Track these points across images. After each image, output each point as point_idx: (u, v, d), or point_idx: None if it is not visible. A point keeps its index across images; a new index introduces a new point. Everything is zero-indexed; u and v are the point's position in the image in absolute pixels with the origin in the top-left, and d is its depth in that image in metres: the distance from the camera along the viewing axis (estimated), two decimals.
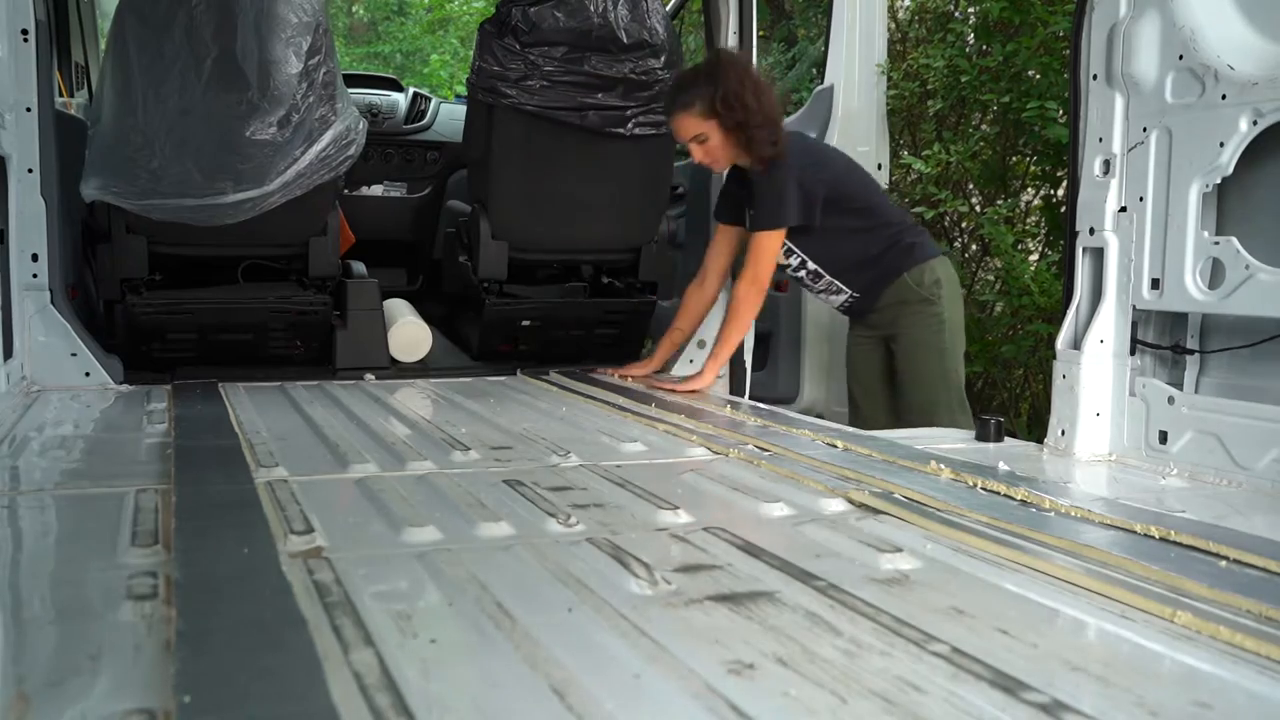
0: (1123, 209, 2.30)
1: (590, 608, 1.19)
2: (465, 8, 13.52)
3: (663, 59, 3.32)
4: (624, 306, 3.66)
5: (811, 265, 3.13)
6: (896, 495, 1.74)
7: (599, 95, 3.28)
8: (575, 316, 3.64)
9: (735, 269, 3.26)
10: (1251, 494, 1.96)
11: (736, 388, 3.60)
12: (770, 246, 3.02)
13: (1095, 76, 2.35)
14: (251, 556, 1.30)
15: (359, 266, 3.53)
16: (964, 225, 4.53)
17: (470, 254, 3.49)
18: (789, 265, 3.15)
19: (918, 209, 4.19)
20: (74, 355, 2.99)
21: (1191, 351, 2.35)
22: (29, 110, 2.89)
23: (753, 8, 3.52)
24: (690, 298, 3.27)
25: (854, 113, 3.89)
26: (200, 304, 3.20)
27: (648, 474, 1.94)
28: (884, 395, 3.25)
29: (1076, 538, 1.48)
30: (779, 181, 2.97)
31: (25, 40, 2.87)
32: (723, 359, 3.13)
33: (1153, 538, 1.52)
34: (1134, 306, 2.45)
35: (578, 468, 2.00)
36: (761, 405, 2.98)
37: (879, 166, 3.96)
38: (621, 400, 2.76)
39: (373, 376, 3.24)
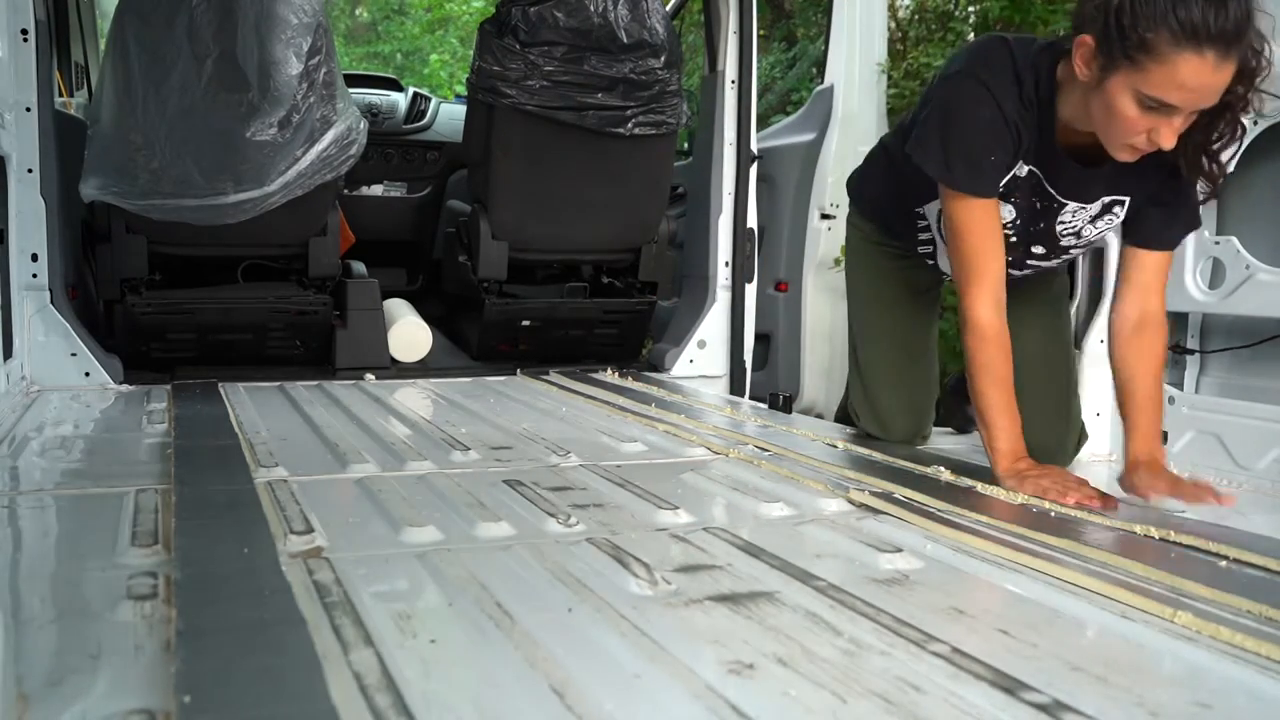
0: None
1: (590, 608, 1.19)
2: (465, 8, 13.52)
3: (663, 59, 3.32)
4: (624, 306, 3.66)
5: None
6: (896, 495, 1.74)
7: (599, 95, 3.28)
8: (575, 316, 3.64)
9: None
10: (1251, 494, 1.97)
11: (736, 388, 3.60)
12: None
13: None
14: (251, 556, 1.30)
15: (359, 266, 3.53)
16: None
17: (470, 254, 3.50)
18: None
19: None
20: (74, 355, 3.00)
21: (1191, 351, 2.36)
22: (29, 110, 2.89)
23: (753, 8, 3.51)
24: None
25: (854, 112, 3.89)
26: (200, 304, 3.20)
27: (648, 474, 1.94)
28: None
29: (1077, 538, 1.48)
30: None
31: (25, 40, 2.87)
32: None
33: (1153, 538, 1.52)
34: None
35: (578, 468, 2.00)
36: (761, 405, 2.98)
37: None
38: (621, 400, 2.76)
39: (373, 376, 3.24)
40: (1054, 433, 2.30)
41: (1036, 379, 2.23)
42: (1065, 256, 2.12)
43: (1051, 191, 1.95)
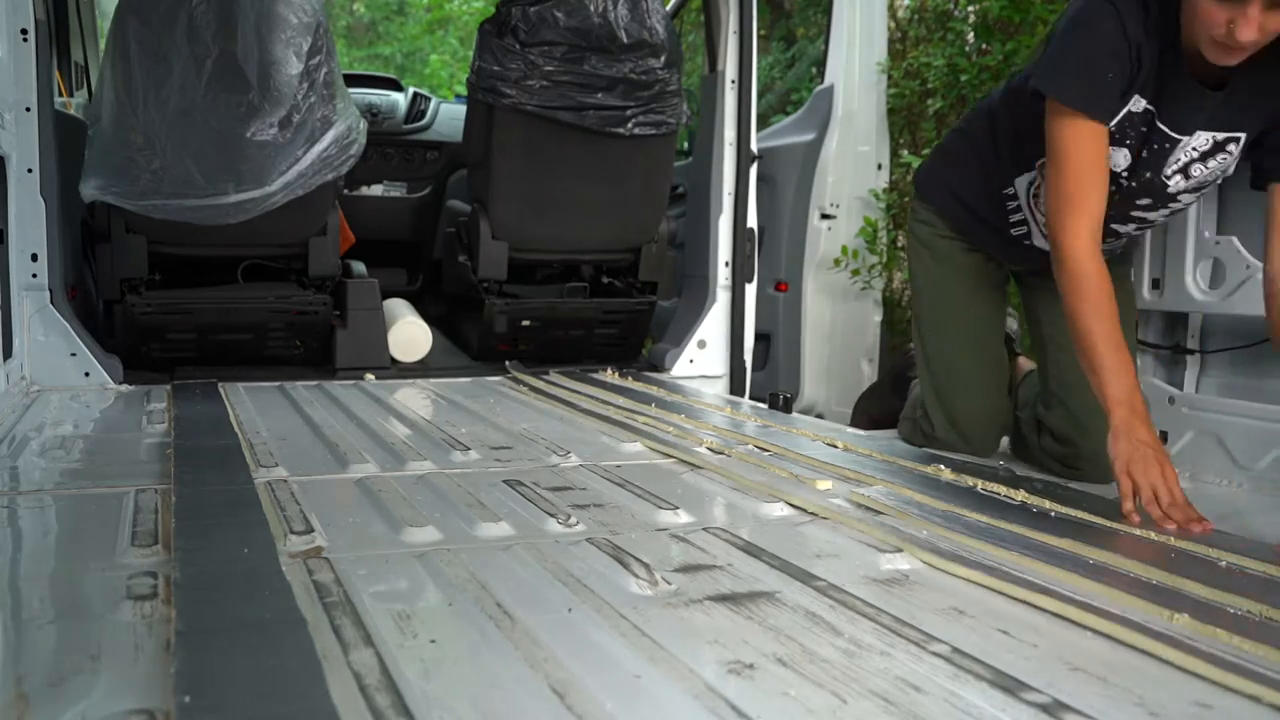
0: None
1: (590, 608, 1.19)
2: (465, 8, 13.53)
3: (663, 59, 3.32)
4: (624, 306, 3.66)
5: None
6: (896, 495, 1.74)
7: (599, 95, 3.28)
8: (575, 316, 3.64)
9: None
10: (1251, 494, 1.96)
11: (736, 388, 3.61)
12: None
13: None
14: (251, 556, 1.30)
15: (359, 266, 3.53)
16: None
17: (470, 254, 3.50)
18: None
19: None
20: (73, 355, 3.00)
21: (1191, 351, 2.36)
22: (29, 110, 2.89)
23: (753, 8, 3.51)
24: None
25: (854, 112, 3.90)
26: (200, 304, 3.20)
27: (648, 474, 1.94)
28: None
29: (1076, 538, 1.48)
30: None
31: (25, 40, 2.87)
32: None
33: (1153, 538, 1.52)
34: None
35: (578, 468, 2.00)
36: (761, 405, 2.98)
37: (879, 166, 3.96)
38: (621, 400, 2.76)
39: (373, 376, 3.24)
40: (1101, 450, 2.23)
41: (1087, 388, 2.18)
42: (1171, 208, 2.05)
43: (1164, 129, 1.89)
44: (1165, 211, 2.07)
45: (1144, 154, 1.92)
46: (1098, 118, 1.82)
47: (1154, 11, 1.78)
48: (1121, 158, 1.94)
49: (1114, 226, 2.08)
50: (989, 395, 2.40)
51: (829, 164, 3.88)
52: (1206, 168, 1.94)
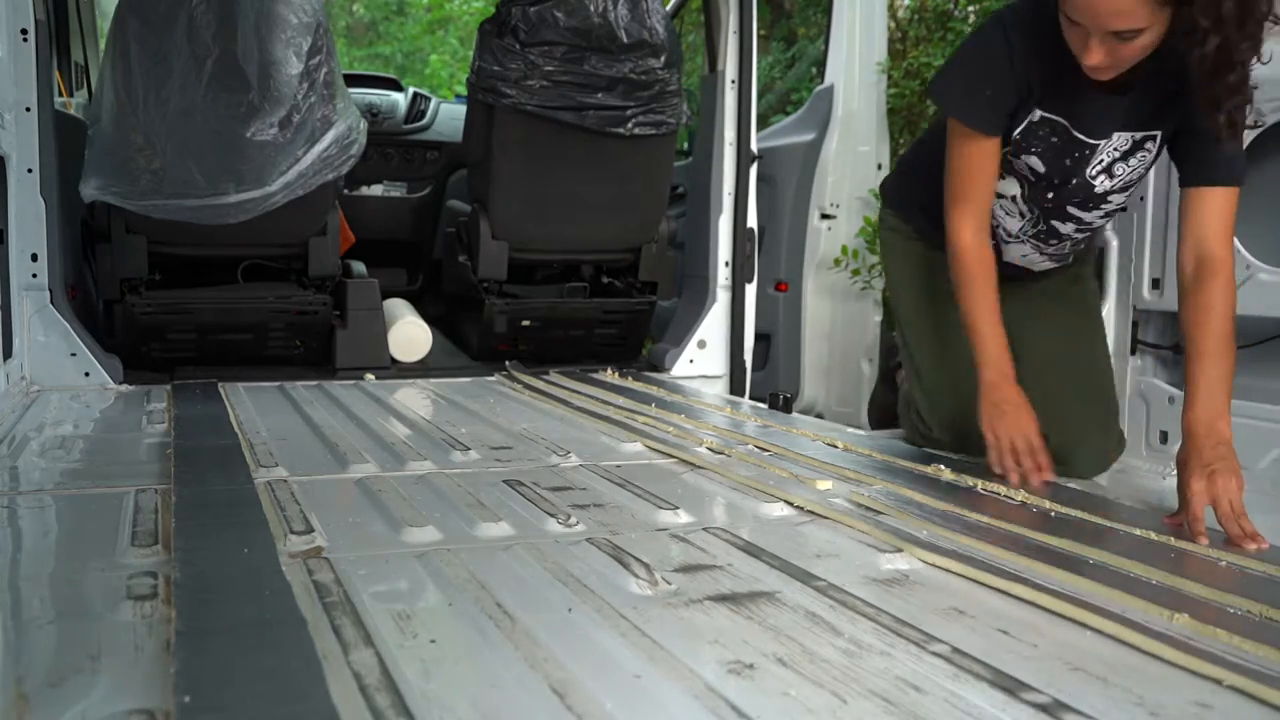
0: (1123, 209, 2.29)
1: (590, 608, 1.19)
2: (465, 8, 13.54)
3: (663, 59, 3.32)
4: (624, 306, 3.66)
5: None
6: (896, 495, 1.74)
7: (599, 95, 3.28)
8: (575, 316, 3.64)
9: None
10: (1251, 494, 1.96)
11: (736, 388, 3.61)
12: None
13: None
14: (251, 556, 1.30)
15: (359, 266, 3.54)
16: None
17: (470, 254, 3.50)
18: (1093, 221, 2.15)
19: None
20: (73, 355, 3.00)
21: None
22: (28, 110, 2.90)
23: (753, 7, 3.51)
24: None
25: (854, 112, 3.90)
26: (200, 304, 3.20)
27: (648, 474, 1.94)
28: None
29: (1076, 538, 1.48)
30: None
31: (25, 40, 2.87)
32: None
33: (1152, 538, 1.52)
34: (1134, 306, 2.46)
35: (578, 468, 2.00)
36: (761, 405, 2.98)
37: (879, 166, 3.97)
38: (621, 400, 2.76)
39: (373, 376, 3.24)
40: (1084, 440, 2.22)
41: (1060, 382, 2.19)
42: (1103, 208, 2.08)
43: (1079, 137, 1.94)
44: (1099, 213, 2.10)
45: (1066, 161, 1.98)
46: (980, 130, 1.95)
47: (1045, 29, 1.80)
48: (1035, 163, 2.01)
49: (1054, 224, 2.13)
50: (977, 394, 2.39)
51: (829, 164, 3.88)
52: (1129, 165, 2.00)
